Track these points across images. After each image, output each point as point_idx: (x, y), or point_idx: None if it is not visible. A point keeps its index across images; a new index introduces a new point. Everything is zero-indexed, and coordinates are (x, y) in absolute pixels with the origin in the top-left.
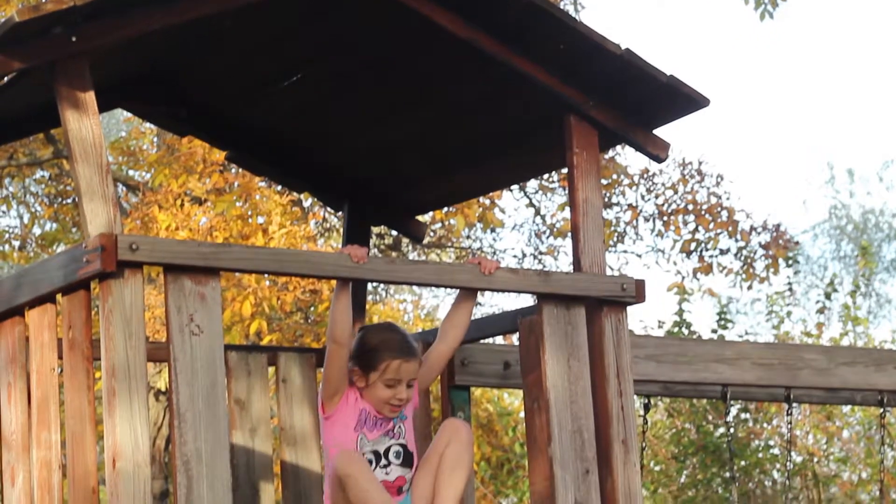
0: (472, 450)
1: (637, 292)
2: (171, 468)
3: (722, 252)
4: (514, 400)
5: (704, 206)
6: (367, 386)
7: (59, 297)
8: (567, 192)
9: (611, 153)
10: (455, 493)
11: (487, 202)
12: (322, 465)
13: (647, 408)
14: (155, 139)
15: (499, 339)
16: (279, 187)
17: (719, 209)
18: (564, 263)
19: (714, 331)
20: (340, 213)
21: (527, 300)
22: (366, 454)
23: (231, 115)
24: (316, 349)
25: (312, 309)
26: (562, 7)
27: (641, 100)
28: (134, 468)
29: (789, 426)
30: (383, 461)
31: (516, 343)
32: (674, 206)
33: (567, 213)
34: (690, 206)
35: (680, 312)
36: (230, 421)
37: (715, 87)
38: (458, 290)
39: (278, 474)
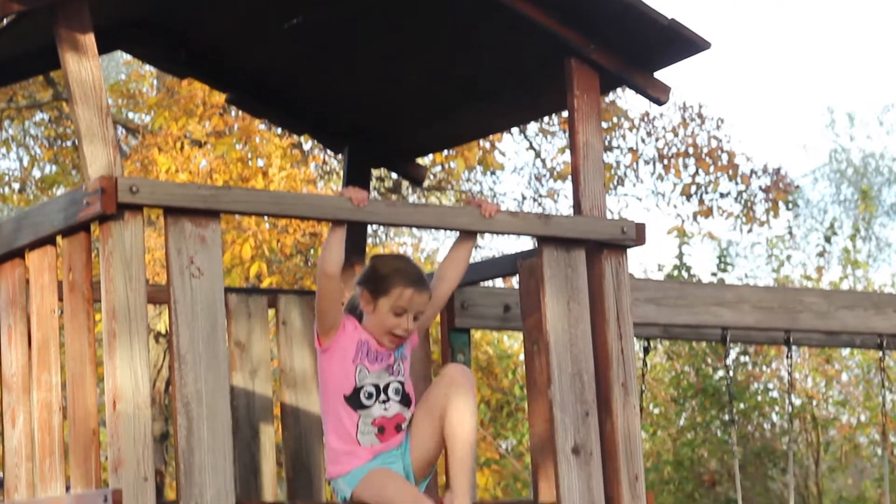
0: (474, 396)
1: (637, 235)
2: (171, 410)
3: (722, 195)
4: (513, 343)
5: (705, 150)
6: (373, 311)
7: (59, 239)
8: (567, 135)
9: (611, 96)
10: (469, 477)
11: (487, 145)
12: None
13: (646, 350)
14: (154, 82)
15: (499, 282)
16: (279, 130)
17: (719, 152)
18: (565, 207)
19: (714, 274)
20: (340, 155)
21: (527, 243)
22: (366, 386)
23: (231, 57)
24: (315, 291)
25: (312, 252)
26: None
27: (642, 43)
28: (134, 410)
29: (788, 369)
30: (382, 396)
31: (516, 286)
32: (674, 150)
33: (567, 156)
34: (691, 150)
35: (680, 256)
36: (230, 363)
37: (716, 30)
38: (458, 233)
39: (278, 416)
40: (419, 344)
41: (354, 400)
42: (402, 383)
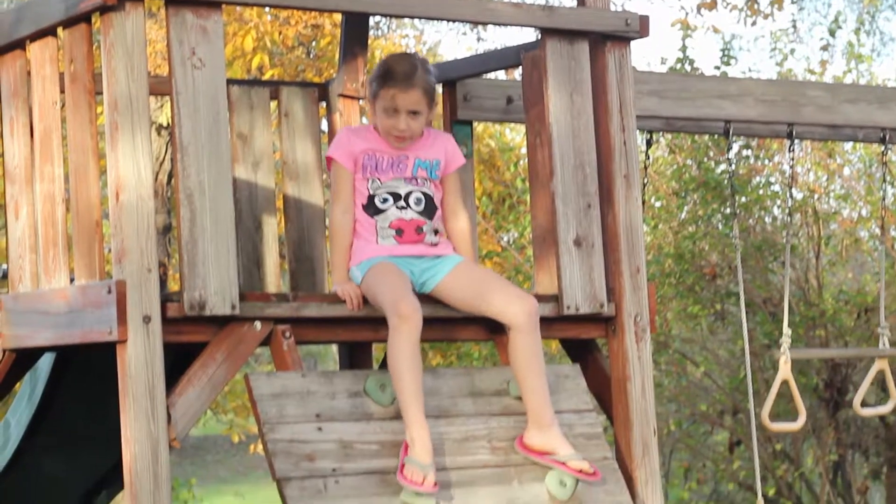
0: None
1: (641, 27)
2: (174, 202)
3: None
4: (515, 135)
5: None
6: (374, 115)
7: (60, 31)
8: None
9: None
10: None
11: None
12: (326, 199)
13: (648, 143)
14: None
15: (501, 74)
16: None
17: None
18: None
19: (717, 68)
20: None
21: (530, 35)
22: (380, 194)
23: None
24: (318, 84)
25: (314, 44)
26: None
27: None
28: (137, 201)
29: (791, 163)
30: (401, 203)
31: (519, 78)
32: None
33: None
34: None
35: (683, 49)
36: (232, 155)
37: None
38: (458, 23)
39: (280, 208)
40: None
41: (370, 207)
42: (425, 194)
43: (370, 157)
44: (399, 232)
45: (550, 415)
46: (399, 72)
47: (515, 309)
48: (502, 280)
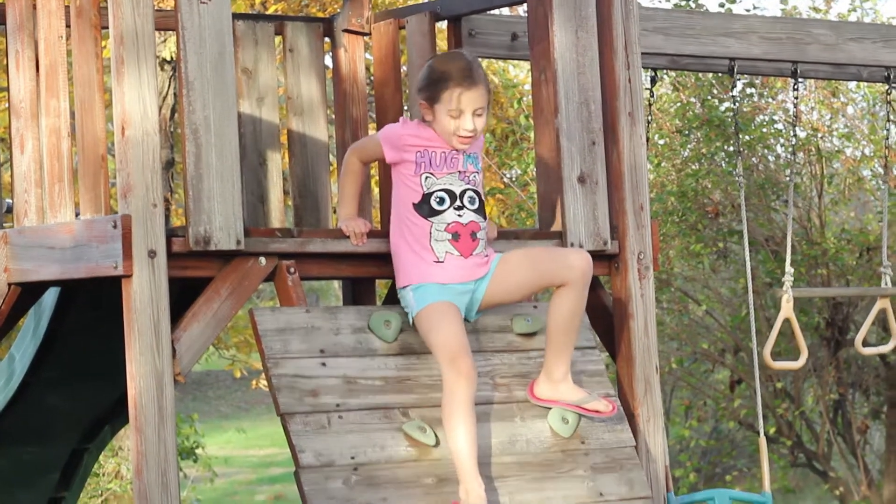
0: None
1: None
2: (179, 137)
3: None
4: (519, 72)
5: None
6: (434, 119)
7: None
8: None
9: None
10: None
11: None
12: (330, 135)
13: (653, 81)
14: None
15: (506, 11)
16: None
17: None
18: None
19: (721, 5)
20: None
21: None
22: (435, 192)
23: None
24: (322, 18)
25: None
26: None
27: None
28: (143, 135)
29: (795, 101)
30: (457, 203)
31: (524, 14)
32: None
33: None
34: None
35: None
36: (237, 90)
37: None
38: None
39: (285, 144)
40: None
41: (424, 207)
42: (477, 192)
43: (423, 154)
44: (455, 236)
45: (564, 371)
46: (460, 70)
47: (573, 262)
48: (545, 247)
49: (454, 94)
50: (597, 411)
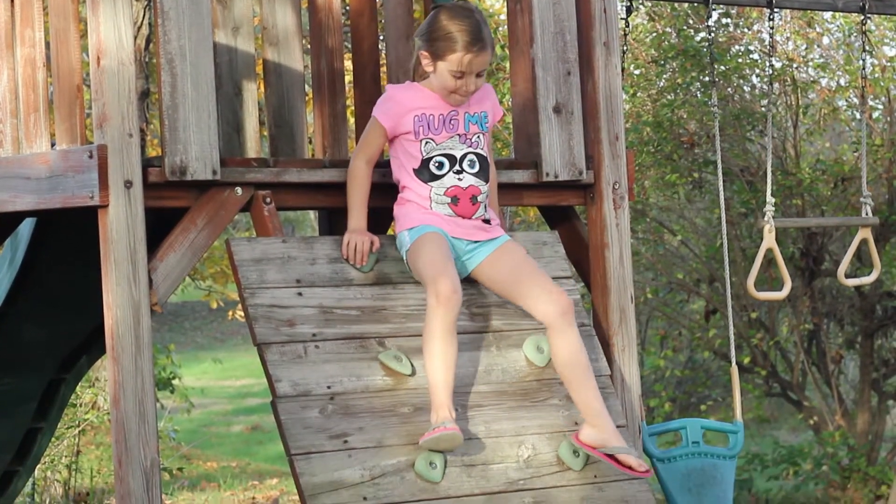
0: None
1: None
2: (154, 67)
3: None
4: (494, 2)
5: None
6: (434, 72)
7: None
8: None
9: None
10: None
11: None
12: (306, 65)
13: (628, 11)
14: None
15: None
16: None
17: None
18: None
19: None
20: None
21: None
22: (435, 157)
23: None
24: None
25: None
26: None
27: None
28: (118, 66)
29: (770, 31)
30: (456, 167)
31: None
32: None
33: None
34: None
35: None
36: (213, 20)
37: None
38: None
39: (260, 74)
40: (399, 1)
41: (424, 172)
42: (478, 155)
43: (421, 119)
44: (454, 200)
45: (599, 407)
46: (470, 35)
47: (546, 308)
48: (538, 272)
49: (462, 59)
50: (629, 468)
